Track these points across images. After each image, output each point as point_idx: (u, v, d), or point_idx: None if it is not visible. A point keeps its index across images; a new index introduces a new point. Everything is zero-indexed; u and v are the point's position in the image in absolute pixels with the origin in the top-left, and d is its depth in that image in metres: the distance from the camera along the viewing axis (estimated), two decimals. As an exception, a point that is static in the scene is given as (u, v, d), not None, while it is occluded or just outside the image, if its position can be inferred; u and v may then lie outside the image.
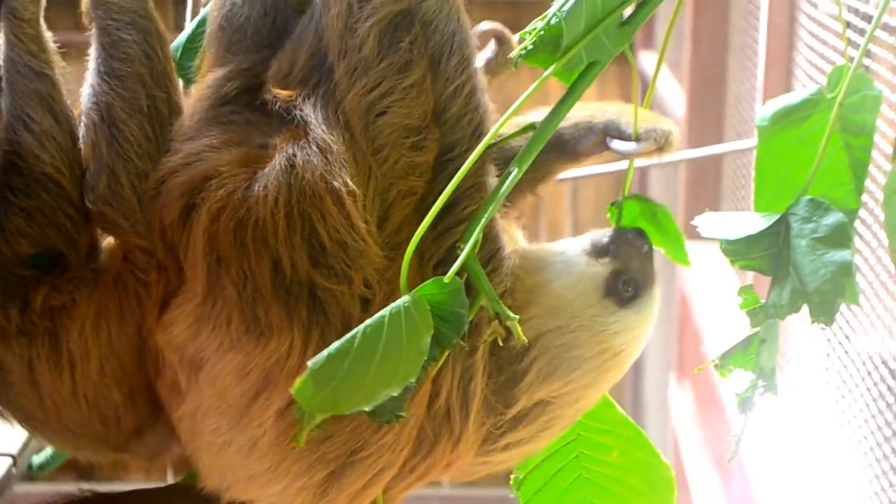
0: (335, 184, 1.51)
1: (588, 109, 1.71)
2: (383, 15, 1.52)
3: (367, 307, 1.52)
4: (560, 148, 1.71)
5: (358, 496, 1.60)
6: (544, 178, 1.76)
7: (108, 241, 1.76)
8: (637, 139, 1.63)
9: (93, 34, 1.69)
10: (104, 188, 1.66)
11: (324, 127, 1.54)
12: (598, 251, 1.65)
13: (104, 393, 1.71)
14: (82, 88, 1.70)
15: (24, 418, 1.79)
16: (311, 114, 1.56)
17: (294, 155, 1.53)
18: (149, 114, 1.67)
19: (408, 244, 1.44)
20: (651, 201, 1.70)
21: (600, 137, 1.68)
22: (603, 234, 1.66)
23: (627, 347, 1.63)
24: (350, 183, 1.51)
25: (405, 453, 1.58)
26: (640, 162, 1.72)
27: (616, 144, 1.65)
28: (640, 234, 1.65)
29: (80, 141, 1.70)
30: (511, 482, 1.74)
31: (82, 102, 1.69)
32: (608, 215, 1.70)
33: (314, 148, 1.53)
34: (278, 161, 1.53)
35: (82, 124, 1.69)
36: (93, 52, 1.69)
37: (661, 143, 1.63)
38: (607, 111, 1.70)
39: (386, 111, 1.53)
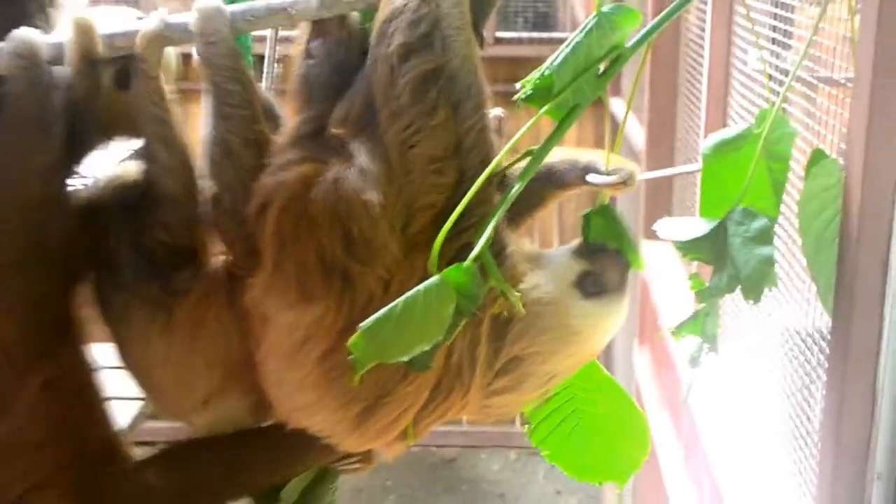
0: (365, 195, 1.54)
1: (574, 152, 1.73)
2: (417, 73, 1.53)
3: (388, 288, 1.54)
4: (550, 178, 1.71)
5: (389, 427, 1.62)
6: (539, 203, 1.75)
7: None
8: (609, 174, 1.65)
9: (204, 86, 1.72)
10: (228, 203, 1.70)
11: (366, 156, 1.57)
12: (579, 253, 1.66)
13: (188, 359, 1.76)
14: (203, 127, 1.73)
15: (132, 369, 1.84)
16: (358, 146, 1.59)
17: (341, 173, 1.57)
18: (255, 146, 1.70)
19: (425, 245, 1.48)
20: (614, 214, 1.69)
21: (582, 172, 1.69)
22: (588, 243, 1.67)
23: (585, 330, 1.61)
24: (377, 195, 1.54)
25: (425, 396, 1.60)
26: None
27: (592, 178, 1.67)
28: (619, 251, 1.64)
29: (203, 169, 1.73)
30: (517, 421, 1.73)
31: (204, 138, 1.73)
32: (582, 223, 1.70)
33: (355, 169, 1.57)
34: (329, 176, 1.58)
35: (206, 155, 1.73)
36: (207, 99, 1.73)
37: (626, 179, 1.65)
38: (588, 154, 1.72)
39: (416, 144, 1.54)
